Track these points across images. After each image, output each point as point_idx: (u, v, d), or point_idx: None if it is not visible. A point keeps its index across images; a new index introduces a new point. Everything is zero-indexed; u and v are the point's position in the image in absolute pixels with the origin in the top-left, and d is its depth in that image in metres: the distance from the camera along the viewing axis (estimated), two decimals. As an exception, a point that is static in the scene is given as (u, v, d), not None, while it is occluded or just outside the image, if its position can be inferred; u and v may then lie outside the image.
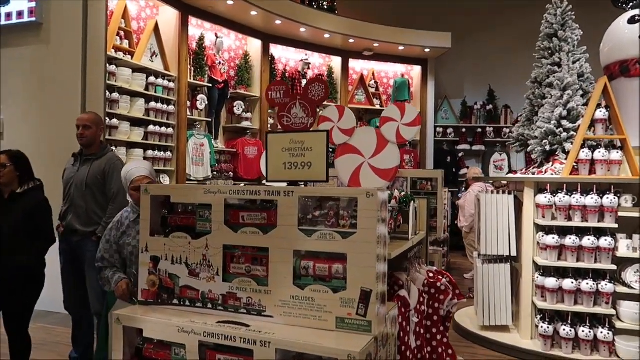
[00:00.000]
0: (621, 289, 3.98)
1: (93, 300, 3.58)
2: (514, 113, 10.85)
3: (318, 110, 2.35)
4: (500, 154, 10.71)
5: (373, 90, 10.40)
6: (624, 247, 4.00)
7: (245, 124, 8.34)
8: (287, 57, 9.40)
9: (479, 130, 10.97)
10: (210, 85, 7.61)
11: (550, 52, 5.10)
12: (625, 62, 4.44)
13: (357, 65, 10.31)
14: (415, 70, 10.78)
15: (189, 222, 1.83)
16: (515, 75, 10.68)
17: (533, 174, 4.71)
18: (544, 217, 4.22)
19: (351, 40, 9.26)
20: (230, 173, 8.20)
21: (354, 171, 3.26)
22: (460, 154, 10.88)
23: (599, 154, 4.20)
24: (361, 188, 1.54)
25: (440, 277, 2.75)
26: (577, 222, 4.09)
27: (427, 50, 9.99)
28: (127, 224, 2.84)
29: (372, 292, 1.52)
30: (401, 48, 9.77)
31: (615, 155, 4.20)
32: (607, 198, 3.99)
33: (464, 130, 10.99)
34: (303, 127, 2.16)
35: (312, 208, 1.66)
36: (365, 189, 1.52)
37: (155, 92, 6.68)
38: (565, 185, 4.14)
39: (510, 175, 5.20)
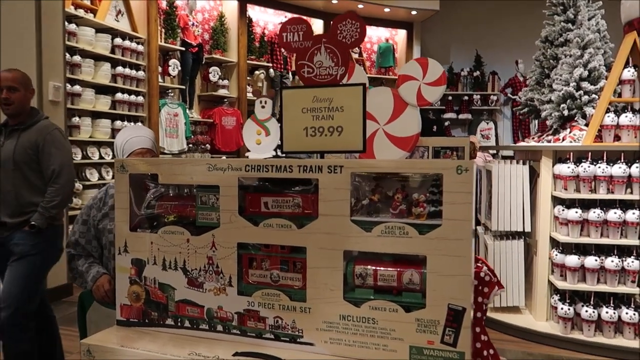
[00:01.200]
0: (649, 265, 3.66)
1: (14, 294, 2.76)
2: (501, 80, 10.51)
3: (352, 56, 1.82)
4: (487, 123, 10.37)
5: (356, 55, 9.81)
6: (652, 220, 3.66)
7: (222, 92, 7.69)
8: (265, 19, 8.69)
9: (466, 98, 10.58)
10: (183, 49, 6.91)
11: (563, 7, 4.64)
12: (651, 17, 4.02)
13: (340, 29, 9.66)
14: (400, 35, 10.23)
15: (186, 211, 1.31)
16: (502, 41, 10.30)
17: (549, 141, 4.30)
18: (565, 189, 3.83)
19: (334, 1, 8.61)
20: (207, 145, 7.59)
21: (368, 138, 2.75)
22: (446, 123, 10.48)
23: (626, 118, 3.81)
24: (448, 160, 1.05)
25: (479, 265, 2.30)
26: (602, 194, 3.72)
27: (413, 12, 9.43)
28: (111, 204, 2.18)
29: (466, 311, 1.05)
30: (387, 10, 9.18)
31: (643, 120, 3.81)
32: (637, 167, 3.62)
33: (450, 98, 10.58)
34: (331, 79, 1.63)
35: (367, 191, 1.15)
36: (454, 161, 1.02)
37: (123, 55, 5.96)
38: (590, 153, 3.75)
39: (525, 143, 4.79)
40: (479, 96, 10.49)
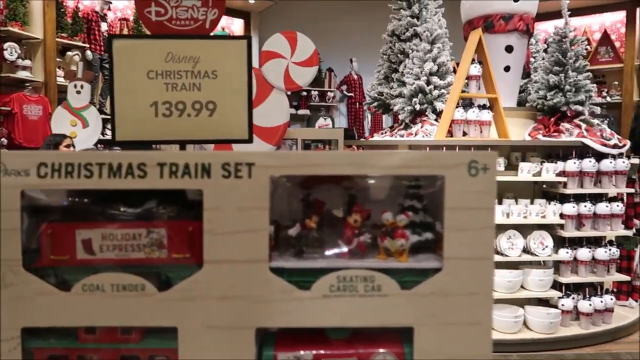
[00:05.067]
0: (495, 257, 3.76)
1: None
2: (337, 77, 10.68)
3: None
4: (325, 119, 10.44)
5: (190, 43, 8.99)
6: (498, 214, 3.77)
7: (22, 74, 6.24)
8: (79, -9, 7.34)
9: (304, 93, 10.48)
10: (-36, 15, 5.38)
11: (408, 2, 4.63)
12: (489, 18, 4.18)
13: (171, 12, 8.73)
14: (237, 25, 9.69)
15: None
16: (339, 38, 10.44)
17: (402, 136, 4.22)
18: (422, 184, 3.75)
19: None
20: (4, 139, 6.10)
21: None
22: (286, 119, 10.27)
23: (473, 113, 3.88)
24: (456, 152, 0.60)
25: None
26: (456, 189, 3.72)
27: (251, 1, 8.97)
28: None
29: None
30: (223, -5, 8.55)
31: (487, 115, 3.93)
32: (485, 162, 3.68)
33: (288, 93, 10.37)
34: (197, 26, 1.05)
35: (295, 210, 0.63)
36: (462, 153, 0.56)
37: None
38: (444, 148, 3.72)
39: (384, 137, 4.67)
40: (316, 92, 10.50)
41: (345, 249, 0.61)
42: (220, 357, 0.58)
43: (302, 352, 0.59)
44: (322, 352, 0.59)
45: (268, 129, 2.07)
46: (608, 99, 9.00)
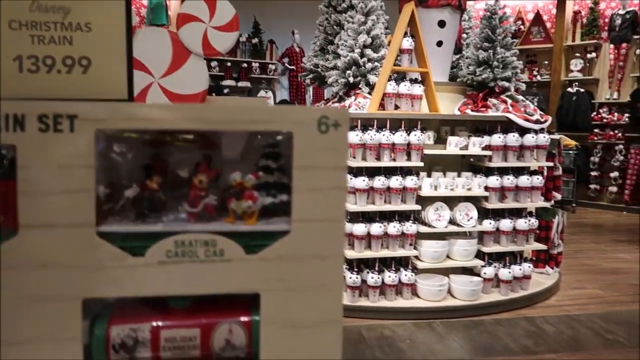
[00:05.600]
0: (423, 229, 3.87)
1: None
2: (279, 49, 10.49)
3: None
4: (267, 92, 10.28)
5: (122, 7, 8.48)
6: (427, 186, 3.86)
7: None
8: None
9: (245, 65, 10.25)
10: None
11: (344, -28, 4.56)
12: (423, -9, 4.19)
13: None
14: (170, -11, 9.23)
15: None
16: (280, 9, 10.23)
17: (335, 109, 4.19)
18: (354, 157, 3.76)
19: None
20: None
21: (136, 96, 2.08)
22: (225, 90, 10.00)
23: (405, 87, 3.91)
24: (305, 107, 0.55)
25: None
26: (386, 161, 3.76)
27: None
28: None
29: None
30: (157, -42, 8.10)
31: (418, 89, 3.97)
32: (415, 135, 3.74)
33: (229, 64, 10.10)
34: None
35: (134, 169, 0.57)
36: (312, 109, 0.52)
37: None
38: (375, 121, 3.73)
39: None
40: (257, 64, 10.27)
41: (192, 212, 0.56)
42: (43, 332, 0.52)
43: (136, 325, 0.55)
44: (160, 324, 0.55)
45: (185, 96, 1.98)
46: (539, 77, 9.39)
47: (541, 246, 4.22)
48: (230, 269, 0.54)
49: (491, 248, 3.98)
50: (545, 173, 4.42)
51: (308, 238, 0.54)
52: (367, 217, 3.84)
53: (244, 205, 0.55)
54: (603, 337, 3.41)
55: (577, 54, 9.01)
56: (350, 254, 3.79)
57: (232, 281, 0.54)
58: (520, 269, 3.99)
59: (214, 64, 9.87)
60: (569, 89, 8.85)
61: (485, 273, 3.93)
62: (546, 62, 9.30)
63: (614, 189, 8.53)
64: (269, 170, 0.58)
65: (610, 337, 3.41)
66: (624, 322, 3.68)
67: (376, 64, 4.07)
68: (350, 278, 3.77)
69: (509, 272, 3.94)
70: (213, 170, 0.57)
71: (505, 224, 3.97)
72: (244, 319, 0.56)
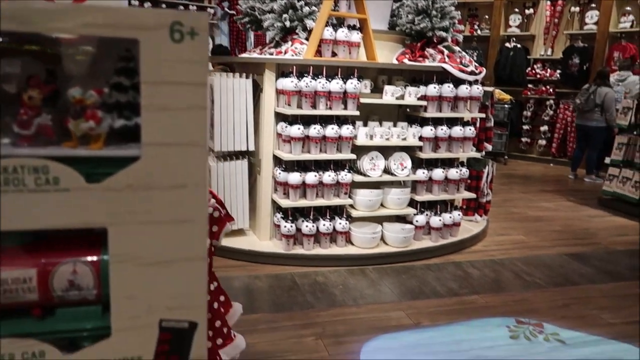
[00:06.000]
0: (358, 178, 3.88)
1: None
2: (217, -8, 9.95)
3: None
4: (205, 37, 9.81)
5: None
6: (363, 135, 3.85)
7: None
8: None
9: (181, 8, 9.67)
10: None
11: None
12: None
13: None
14: None
15: None
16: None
17: (271, 54, 4.04)
18: (289, 104, 3.66)
19: None
20: None
21: None
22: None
23: (342, 33, 3.80)
24: (154, 10, 0.47)
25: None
26: (322, 109, 3.69)
27: None
28: None
29: (198, 326, 0.52)
30: None
31: (356, 36, 3.87)
32: (352, 84, 3.67)
33: (164, 6, 9.49)
34: None
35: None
36: (165, 11, 0.44)
37: None
38: (312, 68, 3.62)
39: (252, 54, 4.42)
40: (195, 7, 9.73)
41: (23, 135, 0.48)
42: None
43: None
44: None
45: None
46: (479, 32, 9.49)
47: (471, 195, 4.36)
48: (68, 200, 0.46)
49: (424, 197, 4.08)
50: (477, 124, 4.53)
51: (162, 165, 0.47)
52: (303, 166, 3.80)
53: (83, 125, 0.47)
54: (523, 279, 3.63)
55: (516, 9, 9.15)
56: (285, 202, 3.76)
57: (70, 214, 0.46)
58: (451, 217, 4.13)
59: (147, 5, 9.25)
60: (507, 44, 9.02)
61: (417, 221, 4.03)
62: (487, 17, 9.39)
63: (543, 142, 8.94)
64: (122, 88, 0.50)
65: (529, 279, 3.63)
66: (542, 265, 3.92)
67: (314, 8, 3.92)
68: (285, 227, 3.76)
69: (440, 220, 4.07)
70: (49, 85, 0.48)
71: (438, 173, 4.06)
72: (90, 258, 0.49)
